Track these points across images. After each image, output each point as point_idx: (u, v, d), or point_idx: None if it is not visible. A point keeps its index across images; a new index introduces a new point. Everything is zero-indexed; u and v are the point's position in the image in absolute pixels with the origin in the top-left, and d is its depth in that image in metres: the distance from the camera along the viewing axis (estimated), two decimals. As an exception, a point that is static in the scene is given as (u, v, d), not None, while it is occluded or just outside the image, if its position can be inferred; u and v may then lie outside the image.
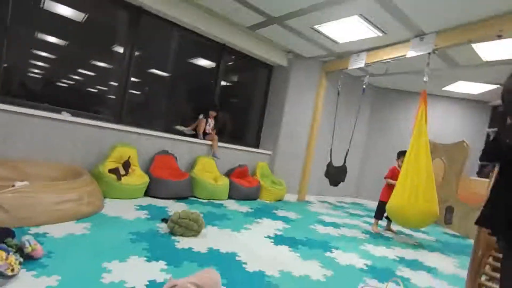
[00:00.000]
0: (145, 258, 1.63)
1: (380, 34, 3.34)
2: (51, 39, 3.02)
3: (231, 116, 4.67)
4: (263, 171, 4.30)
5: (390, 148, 5.49)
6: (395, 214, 2.90)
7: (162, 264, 1.60)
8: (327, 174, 3.98)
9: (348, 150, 3.88)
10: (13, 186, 1.92)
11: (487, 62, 3.59)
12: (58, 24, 3.00)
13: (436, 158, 4.71)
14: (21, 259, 1.29)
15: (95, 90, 3.39)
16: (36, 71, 2.99)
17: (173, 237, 2.02)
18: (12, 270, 1.21)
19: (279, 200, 4.18)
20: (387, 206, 2.93)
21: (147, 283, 1.38)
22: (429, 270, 2.29)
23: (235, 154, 4.20)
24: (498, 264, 1.77)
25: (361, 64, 3.93)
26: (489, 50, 3.28)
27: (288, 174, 4.50)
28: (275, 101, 4.68)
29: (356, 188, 5.55)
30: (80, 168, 2.69)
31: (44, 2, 2.84)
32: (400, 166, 3.29)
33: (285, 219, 3.11)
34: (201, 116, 3.82)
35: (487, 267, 1.79)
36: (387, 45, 3.59)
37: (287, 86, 4.53)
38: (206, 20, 3.61)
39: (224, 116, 4.44)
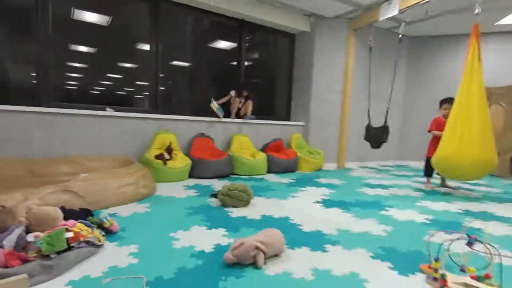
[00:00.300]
0: (205, 227, 1.72)
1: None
2: (84, 48, 3.17)
3: (259, 92, 4.62)
4: (298, 142, 4.26)
5: (433, 103, 5.09)
6: (442, 166, 2.69)
7: (222, 230, 1.68)
8: (367, 136, 3.83)
9: (388, 108, 3.67)
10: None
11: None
12: (88, 32, 3.13)
13: (493, 105, 4.27)
14: (103, 233, 1.44)
15: (131, 86, 3.53)
16: (75, 78, 3.18)
17: (225, 209, 2.10)
18: (99, 241, 1.35)
19: (319, 170, 4.14)
20: (433, 159, 2.73)
21: (214, 246, 1.46)
22: (504, 220, 2.12)
23: (268, 129, 4.20)
24: None
25: (394, 12, 3.56)
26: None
27: (325, 143, 4.41)
28: (301, 70, 4.53)
29: (399, 149, 5.29)
30: (129, 158, 2.87)
31: (74, 13, 2.99)
32: (444, 115, 3.04)
33: (329, 186, 3.09)
34: (233, 93, 3.82)
35: None
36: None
37: (312, 52, 4.34)
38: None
39: (251, 93, 4.41)
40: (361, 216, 2.07)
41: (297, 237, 1.63)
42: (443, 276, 1.11)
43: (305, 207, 2.25)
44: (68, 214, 1.52)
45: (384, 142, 3.75)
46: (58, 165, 2.58)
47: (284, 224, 1.82)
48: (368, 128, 3.84)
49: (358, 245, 1.55)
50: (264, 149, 3.95)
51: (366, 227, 1.83)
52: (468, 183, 3.56)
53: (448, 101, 3.00)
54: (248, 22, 4.06)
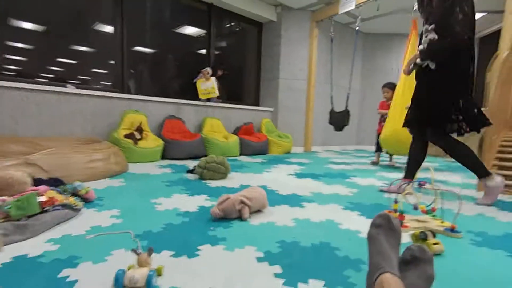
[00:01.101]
0: (187, 194, 1.74)
1: (370, -31, 3.30)
2: (32, 26, 2.88)
3: (228, 78, 4.66)
4: (268, 127, 4.40)
5: (386, 92, 5.60)
6: (390, 141, 3.01)
7: (204, 196, 1.72)
8: (331, 120, 4.10)
9: (348, 94, 3.98)
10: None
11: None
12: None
13: None
14: (79, 200, 1.38)
15: (93, 67, 3.31)
16: (27, 55, 2.88)
17: (203, 181, 2.13)
18: (76, 205, 1.29)
19: (288, 152, 4.34)
20: (382, 136, 3.06)
21: (198, 207, 1.49)
22: (442, 182, 2.53)
23: (238, 113, 4.26)
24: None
25: (351, 6, 3.90)
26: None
27: (292, 128, 4.62)
28: (269, 58, 4.67)
29: (357, 135, 5.75)
30: (95, 137, 2.71)
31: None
32: (386, 97, 3.42)
33: (299, 163, 3.27)
34: (209, 70, 3.72)
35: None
36: (377, -19, 3.56)
37: (279, 41, 4.50)
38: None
39: (221, 79, 4.43)
40: (330, 183, 2.26)
41: (276, 198, 1.74)
42: (401, 212, 1.30)
43: (280, 178, 2.38)
44: (37, 182, 1.42)
45: (346, 125, 4.05)
46: (8, 144, 2.30)
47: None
48: (332, 112, 4.12)
49: (330, 202, 1.71)
50: (235, 132, 4.01)
51: (335, 190, 2.02)
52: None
53: (387, 85, 3.45)
54: (217, 7, 4.06)
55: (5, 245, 0.99)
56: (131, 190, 1.79)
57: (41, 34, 2.90)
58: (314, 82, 4.65)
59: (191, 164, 2.88)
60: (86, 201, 1.47)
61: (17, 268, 0.84)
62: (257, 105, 4.80)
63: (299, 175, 2.52)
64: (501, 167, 2.28)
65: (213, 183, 2.07)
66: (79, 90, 2.82)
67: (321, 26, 4.64)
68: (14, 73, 2.71)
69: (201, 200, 1.63)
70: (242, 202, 1.35)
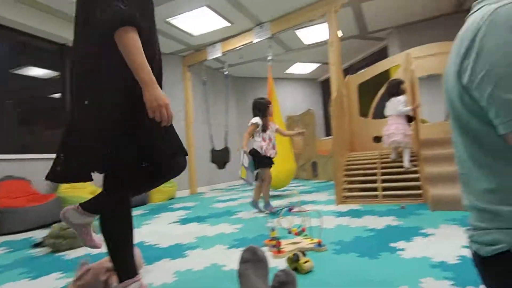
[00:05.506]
0: (28, 278, 1.31)
1: (228, 24, 3.79)
2: None
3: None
4: (148, 173, 4.04)
5: (258, 129, 6.35)
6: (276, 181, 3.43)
7: (55, 275, 1.33)
8: (213, 159, 4.22)
9: (226, 132, 4.26)
10: None
11: (308, 45, 4.76)
12: None
13: (294, 128, 5.90)
14: None
15: None
16: None
17: (57, 254, 1.67)
18: None
19: (172, 198, 4.08)
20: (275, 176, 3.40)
21: (44, 294, 1.14)
22: (312, 202, 2.95)
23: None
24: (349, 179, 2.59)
25: (218, 53, 4.33)
26: (307, 35, 4.32)
27: (176, 171, 4.43)
28: (144, 102, 4.46)
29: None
30: None
31: None
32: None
33: (184, 208, 3.13)
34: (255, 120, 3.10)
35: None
36: (237, 35, 4.09)
37: (153, 84, 4.42)
38: (41, 17, 3.06)
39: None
40: (215, 223, 2.25)
41: (155, 254, 1.56)
42: (278, 239, 1.43)
43: (160, 229, 2.18)
44: None
45: (227, 162, 4.28)
46: None
47: (139, 246, 1.66)
48: (213, 151, 4.26)
49: (215, 243, 1.69)
50: (107, 185, 3.44)
51: (221, 230, 2.02)
52: (290, 186, 4.67)
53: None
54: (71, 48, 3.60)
55: None
56: None
57: None
58: (193, 122, 4.73)
59: (40, 234, 2.22)
60: None
61: None
62: (134, 150, 4.38)
63: (184, 221, 2.39)
64: (350, 182, 2.93)
65: (72, 254, 1.65)
66: None
67: (194, 70, 4.89)
68: None
69: (50, 281, 1.26)
70: (108, 270, 1.13)
